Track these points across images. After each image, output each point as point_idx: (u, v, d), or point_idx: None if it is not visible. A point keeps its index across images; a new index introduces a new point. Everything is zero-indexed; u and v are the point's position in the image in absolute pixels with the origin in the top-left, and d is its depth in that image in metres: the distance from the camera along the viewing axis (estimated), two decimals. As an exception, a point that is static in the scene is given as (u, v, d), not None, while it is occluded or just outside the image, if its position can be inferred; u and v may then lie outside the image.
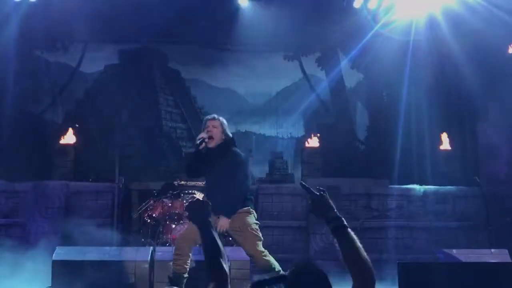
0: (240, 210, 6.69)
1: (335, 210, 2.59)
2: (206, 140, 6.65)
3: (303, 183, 2.77)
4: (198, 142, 6.65)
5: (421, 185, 11.71)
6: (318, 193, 2.62)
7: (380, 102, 14.11)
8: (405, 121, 12.79)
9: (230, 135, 6.97)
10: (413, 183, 11.87)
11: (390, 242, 10.84)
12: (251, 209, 6.81)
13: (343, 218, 2.57)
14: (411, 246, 10.80)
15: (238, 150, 6.77)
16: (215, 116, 6.97)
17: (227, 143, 6.80)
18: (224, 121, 6.96)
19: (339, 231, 2.53)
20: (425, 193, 11.36)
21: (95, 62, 15.62)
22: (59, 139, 12.81)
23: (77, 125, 13.10)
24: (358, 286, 2.36)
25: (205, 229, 2.61)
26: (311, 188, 2.66)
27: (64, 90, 15.26)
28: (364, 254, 2.44)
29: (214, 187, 6.62)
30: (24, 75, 13.79)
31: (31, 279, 8.54)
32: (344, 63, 14.95)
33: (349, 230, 2.53)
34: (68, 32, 13.92)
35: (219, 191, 6.47)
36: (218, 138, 6.75)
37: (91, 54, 15.34)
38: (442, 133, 12.48)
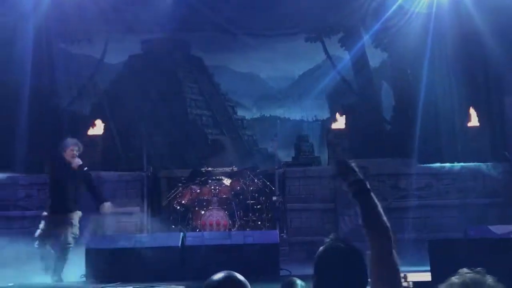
0: None
1: (358, 173, 2.51)
2: None
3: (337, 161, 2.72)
4: None
5: (449, 162, 11.56)
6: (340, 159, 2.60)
7: (405, 80, 13.89)
8: (431, 99, 12.59)
9: None
10: (441, 161, 11.73)
11: (419, 221, 10.76)
12: None
13: (366, 182, 2.50)
14: (441, 224, 10.70)
15: None
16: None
17: None
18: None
19: (361, 194, 2.45)
20: (454, 170, 11.23)
21: (119, 53, 15.73)
22: (87, 130, 12.98)
23: (103, 116, 13.25)
24: (376, 252, 2.33)
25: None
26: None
27: (90, 82, 15.43)
28: (385, 219, 2.41)
29: None
30: (49, 69, 13.97)
31: (66, 268, 8.74)
32: (367, 42, 14.76)
33: (372, 194, 2.47)
34: (91, 24, 14.03)
35: None
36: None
37: (114, 45, 15.44)
38: (469, 109, 12.27)
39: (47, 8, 12.70)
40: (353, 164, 2.55)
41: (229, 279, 2.27)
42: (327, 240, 2.37)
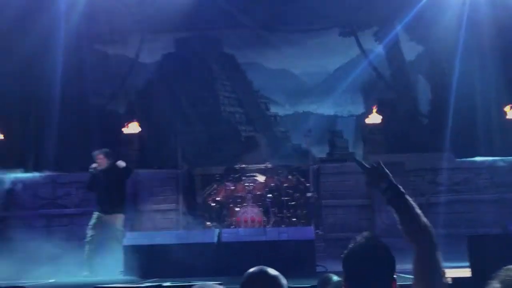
0: None
1: (390, 179, 2.43)
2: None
3: (356, 158, 2.71)
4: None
5: (487, 157, 11.31)
6: (370, 166, 2.52)
7: (442, 73, 13.63)
8: (468, 92, 12.34)
9: None
10: (479, 155, 11.48)
11: (457, 216, 10.56)
12: None
13: (399, 186, 2.42)
14: (480, 219, 10.48)
15: None
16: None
17: None
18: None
19: (395, 200, 2.38)
20: (491, 165, 10.98)
21: (153, 52, 15.90)
22: (123, 129, 13.18)
23: (138, 115, 13.42)
24: (419, 253, 2.29)
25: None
26: (363, 162, 2.59)
27: (125, 81, 15.65)
28: (424, 220, 2.36)
29: None
30: (86, 69, 14.23)
31: (105, 264, 8.89)
32: (402, 35, 14.53)
33: (407, 197, 2.38)
34: (126, 24, 14.23)
35: None
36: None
37: (148, 45, 15.62)
38: (508, 103, 11.96)
39: (82, 11, 12.94)
40: (384, 170, 2.47)
41: (261, 274, 2.26)
42: (357, 237, 2.34)
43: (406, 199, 2.39)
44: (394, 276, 2.25)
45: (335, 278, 3.79)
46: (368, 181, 2.54)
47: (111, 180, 9.05)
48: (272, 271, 2.29)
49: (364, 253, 2.25)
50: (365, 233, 2.33)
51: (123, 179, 9.32)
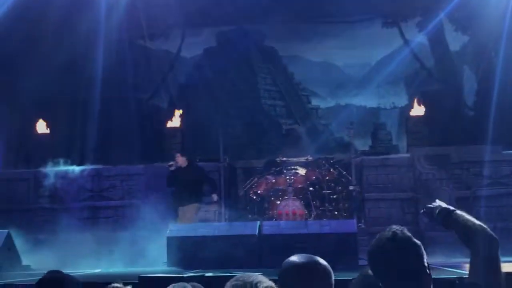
0: None
1: (439, 206, 2.54)
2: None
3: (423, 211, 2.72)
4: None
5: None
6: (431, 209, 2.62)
7: (489, 64, 13.24)
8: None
9: None
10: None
11: (505, 210, 10.26)
12: None
13: (448, 207, 2.51)
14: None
15: None
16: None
17: None
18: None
19: (449, 222, 2.46)
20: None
21: (195, 46, 16.04)
22: (166, 122, 13.34)
23: (181, 109, 13.56)
24: (481, 260, 2.27)
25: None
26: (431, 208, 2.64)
27: (167, 76, 15.83)
28: (478, 226, 2.35)
29: None
30: (129, 64, 14.47)
31: (148, 255, 9.04)
32: (446, 25, 14.19)
33: (457, 212, 2.46)
34: (167, 20, 14.39)
35: None
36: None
37: (190, 39, 15.76)
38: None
39: (123, 7, 13.14)
40: (433, 205, 2.58)
41: (314, 263, 2.18)
42: (386, 230, 2.30)
43: (457, 216, 2.45)
44: (425, 264, 2.20)
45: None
46: (428, 221, 2.65)
47: (189, 178, 9.91)
48: (323, 261, 2.23)
49: (387, 245, 2.21)
50: (391, 227, 2.30)
51: (201, 179, 10.23)
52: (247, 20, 15.44)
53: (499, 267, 2.29)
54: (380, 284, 2.23)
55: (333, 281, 2.24)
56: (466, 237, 2.37)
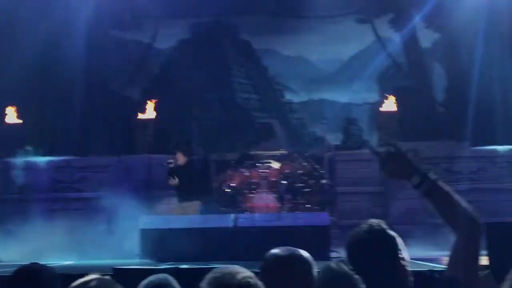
0: None
1: (418, 167, 2.20)
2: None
3: (372, 146, 2.58)
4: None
5: (504, 145, 11.23)
6: (387, 152, 2.18)
7: (458, 61, 13.52)
8: (485, 79, 12.21)
9: None
10: (496, 144, 11.40)
11: (473, 205, 10.45)
12: None
13: (429, 173, 2.20)
14: (496, 209, 10.43)
15: None
16: None
17: None
18: None
19: (431, 191, 2.18)
20: (508, 153, 10.90)
21: (169, 38, 15.90)
22: (138, 114, 13.24)
23: (154, 100, 13.47)
24: (464, 243, 2.20)
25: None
26: (375, 148, 2.36)
27: (140, 67, 15.69)
28: (465, 205, 2.24)
29: None
30: (101, 54, 14.30)
31: (120, 248, 9.00)
32: (418, 22, 14.40)
33: (440, 183, 2.20)
34: (142, 9, 14.26)
35: None
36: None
37: (164, 30, 15.63)
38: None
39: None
40: (409, 158, 2.20)
41: (296, 256, 2.21)
42: (361, 224, 2.31)
43: (440, 188, 2.22)
44: (400, 256, 2.23)
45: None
46: (387, 173, 2.25)
47: (189, 174, 9.78)
48: (305, 253, 2.23)
49: (363, 238, 2.24)
50: (368, 220, 2.30)
51: (201, 174, 10.26)
52: (222, 12, 15.40)
53: (479, 256, 2.26)
54: (354, 276, 2.26)
55: (314, 273, 2.27)
56: (451, 215, 2.17)
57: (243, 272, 1.77)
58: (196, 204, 9.74)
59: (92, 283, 1.94)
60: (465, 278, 2.13)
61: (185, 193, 9.78)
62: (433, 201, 2.21)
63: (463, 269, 2.16)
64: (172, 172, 9.78)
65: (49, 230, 9.95)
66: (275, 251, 2.25)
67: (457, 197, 2.22)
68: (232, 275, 1.74)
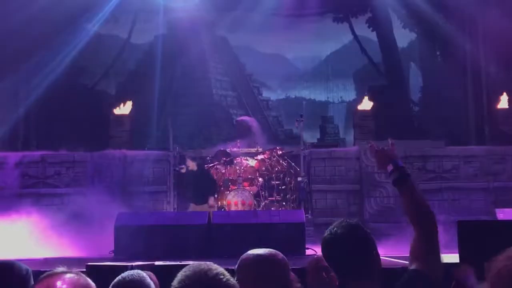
0: None
1: (397, 161, 2.49)
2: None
3: (370, 142, 2.73)
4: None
5: (477, 145, 11.39)
6: (380, 148, 2.57)
7: (434, 61, 13.69)
8: (460, 80, 12.38)
9: None
10: (470, 143, 11.56)
11: (447, 203, 10.66)
12: None
13: (406, 169, 2.49)
14: (469, 207, 10.59)
15: None
16: None
17: None
18: None
19: (400, 181, 2.45)
20: (481, 153, 11.06)
21: (145, 33, 15.79)
22: (114, 110, 13.10)
23: (129, 96, 13.34)
24: (421, 235, 2.33)
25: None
26: (374, 144, 2.63)
27: (116, 62, 15.53)
28: (427, 203, 2.41)
29: None
30: (76, 49, 14.11)
31: (93, 245, 8.90)
32: (395, 22, 14.54)
33: (410, 179, 2.46)
34: (118, 4, 14.10)
35: None
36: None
37: (141, 25, 15.51)
38: (501, 92, 12.01)
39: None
40: (391, 152, 2.54)
41: (272, 256, 2.20)
42: (336, 221, 2.36)
43: (411, 182, 2.44)
44: (374, 252, 2.28)
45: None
46: (377, 162, 2.59)
47: (198, 180, 10.26)
48: (279, 253, 2.23)
49: (338, 234, 2.28)
50: (342, 218, 2.37)
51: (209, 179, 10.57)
52: (199, 8, 15.33)
53: (439, 250, 2.37)
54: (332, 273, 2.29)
55: (290, 273, 2.28)
56: (413, 207, 2.38)
57: (216, 269, 1.75)
58: (204, 208, 9.96)
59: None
60: (430, 271, 2.26)
61: (192, 197, 10.25)
62: (400, 191, 2.45)
63: (426, 262, 2.27)
64: (183, 176, 10.41)
65: (22, 226, 9.78)
66: (251, 251, 2.25)
67: (421, 195, 2.42)
68: (204, 272, 1.73)
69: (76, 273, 1.68)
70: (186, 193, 10.59)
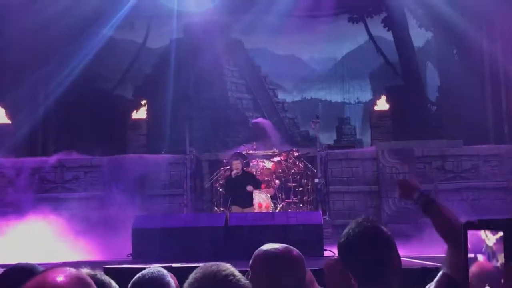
0: None
1: (420, 189, 2.53)
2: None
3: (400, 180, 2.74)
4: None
5: (496, 144, 11.25)
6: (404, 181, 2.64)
7: (451, 60, 13.55)
8: (477, 78, 12.23)
9: None
10: (488, 142, 11.42)
11: (466, 203, 10.53)
12: None
13: (429, 194, 2.53)
14: (488, 207, 10.45)
15: None
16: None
17: None
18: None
19: (428, 207, 2.47)
20: (501, 152, 10.92)
21: (161, 37, 15.87)
22: (131, 114, 13.18)
23: (146, 100, 13.43)
24: (453, 250, 2.30)
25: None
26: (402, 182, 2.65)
27: (132, 66, 15.64)
28: (457, 222, 2.38)
29: None
30: (93, 54, 14.23)
31: (111, 248, 8.94)
32: (411, 22, 14.43)
33: (437, 203, 2.48)
34: (133, 9, 14.20)
35: None
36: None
37: (156, 30, 15.59)
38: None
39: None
40: (413, 182, 2.60)
41: (286, 251, 2.19)
42: (352, 222, 2.32)
43: (438, 206, 2.46)
44: (393, 253, 2.24)
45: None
46: (400, 193, 2.63)
47: (244, 183, 9.91)
48: (296, 250, 2.22)
49: (356, 235, 2.24)
50: (359, 218, 2.33)
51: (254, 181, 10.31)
52: (214, 11, 15.38)
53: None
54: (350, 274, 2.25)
55: (305, 269, 2.25)
56: (444, 228, 2.40)
57: (225, 269, 1.74)
58: (251, 210, 9.88)
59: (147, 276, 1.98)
60: (461, 279, 2.23)
61: (240, 200, 9.89)
62: (429, 216, 2.47)
63: (457, 271, 2.23)
64: (233, 180, 9.96)
65: (41, 230, 9.87)
66: (265, 247, 2.22)
67: (451, 214, 2.44)
68: (214, 273, 1.71)
69: (76, 269, 1.65)
70: (230, 196, 10.15)
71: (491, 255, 1.10)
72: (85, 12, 13.12)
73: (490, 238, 1.12)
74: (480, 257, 1.14)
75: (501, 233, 1.11)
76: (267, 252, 2.19)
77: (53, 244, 9.18)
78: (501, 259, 1.09)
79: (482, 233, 1.13)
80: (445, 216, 2.42)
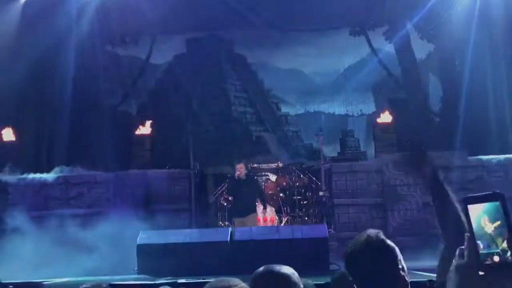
0: None
1: (434, 166, 2.38)
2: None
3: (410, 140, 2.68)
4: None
5: (501, 154, 11.22)
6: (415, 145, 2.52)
7: (453, 71, 13.57)
8: (480, 89, 12.24)
9: None
10: (492, 153, 11.39)
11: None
12: None
13: (439, 174, 2.37)
14: (495, 217, 10.40)
15: None
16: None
17: None
18: None
19: (436, 190, 2.34)
20: (505, 162, 10.89)
21: (164, 53, 15.97)
22: (135, 130, 13.22)
23: (150, 116, 13.47)
24: (452, 246, 2.25)
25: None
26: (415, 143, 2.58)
27: (136, 82, 15.71)
28: (458, 210, 2.33)
29: None
30: (97, 70, 14.31)
31: (117, 263, 8.93)
32: (412, 34, 14.47)
33: (446, 186, 2.32)
34: (137, 26, 14.30)
35: None
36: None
37: (159, 46, 15.69)
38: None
39: (93, 13, 13.02)
40: (428, 156, 2.49)
41: (268, 273, 2.17)
42: (357, 235, 2.32)
43: (445, 190, 2.33)
44: (400, 267, 2.23)
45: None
46: (409, 162, 2.57)
47: (248, 189, 9.65)
48: (282, 269, 2.22)
49: (361, 248, 2.23)
50: (366, 231, 2.31)
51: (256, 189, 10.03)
52: (217, 27, 15.49)
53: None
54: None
55: None
56: (446, 216, 2.27)
57: (236, 285, 1.75)
58: (254, 217, 9.66)
59: None
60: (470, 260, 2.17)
61: (242, 207, 9.61)
62: (434, 198, 2.35)
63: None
64: (236, 184, 9.72)
65: (46, 247, 9.86)
66: (261, 268, 2.23)
67: (457, 204, 2.28)
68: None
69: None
70: (232, 206, 10.01)
71: (490, 241, 1.15)
72: (90, 28, 13.23)
73: (488, 226, 1.16)
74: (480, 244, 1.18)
75: (499, 222, 1.15)
76: (260, 274, 2.19)
77: (58, 262, 9.16)
78: (499, 243, 1.14)
79: (482, 221, 1.17)
80: (451, 203, 2.27)
